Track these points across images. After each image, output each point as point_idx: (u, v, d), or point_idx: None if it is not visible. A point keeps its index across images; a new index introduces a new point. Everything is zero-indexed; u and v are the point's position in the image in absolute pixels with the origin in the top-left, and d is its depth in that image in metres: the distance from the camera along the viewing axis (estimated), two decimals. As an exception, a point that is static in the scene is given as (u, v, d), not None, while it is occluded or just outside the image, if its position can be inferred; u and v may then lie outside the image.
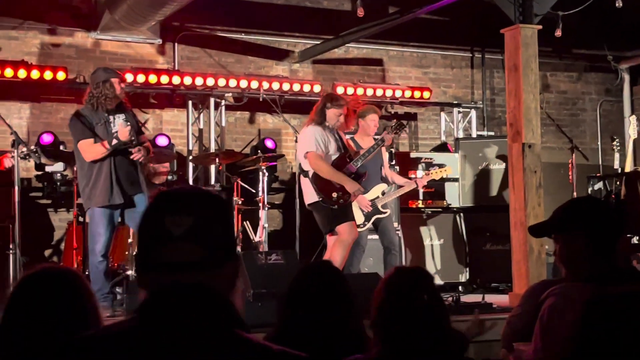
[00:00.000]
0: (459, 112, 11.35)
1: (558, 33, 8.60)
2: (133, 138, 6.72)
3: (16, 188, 6.47)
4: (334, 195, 7.08)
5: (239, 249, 7.86)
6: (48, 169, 8.83)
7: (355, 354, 2.90)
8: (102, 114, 6.72)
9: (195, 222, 1.72)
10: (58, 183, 8.88)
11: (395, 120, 7.90)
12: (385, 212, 7.96)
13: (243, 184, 8.84)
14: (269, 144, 9.89)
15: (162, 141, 9.46)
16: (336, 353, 2.98)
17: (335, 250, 7.05)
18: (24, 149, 6.40)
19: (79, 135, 6.67)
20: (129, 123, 6.72)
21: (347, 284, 3.36)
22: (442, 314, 2.80)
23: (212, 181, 9.76)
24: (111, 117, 6.75)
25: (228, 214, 1.86)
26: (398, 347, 2.72)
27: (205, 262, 1.72)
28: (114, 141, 6.60)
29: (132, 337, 1.69)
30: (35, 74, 8.94)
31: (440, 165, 9.13)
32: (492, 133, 11.45)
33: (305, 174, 7.24)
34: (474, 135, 11.19)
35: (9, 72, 8.80)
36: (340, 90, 10.17)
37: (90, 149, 6.64)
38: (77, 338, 1.75)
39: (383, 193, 8.01)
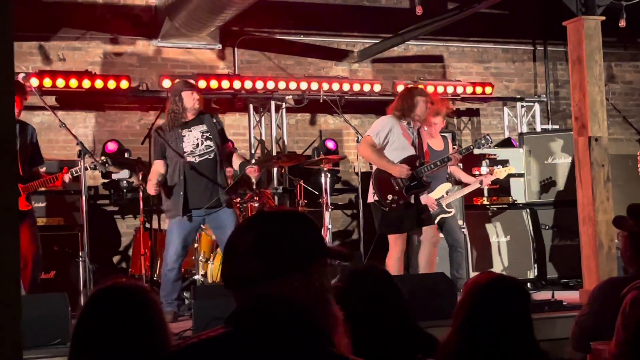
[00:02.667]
0: (522, 106, 11.19)
1: (622, 23, 8.41)
2: (194, 161, 6.76)
3: (83, 197, 6.56)
4: (389, 197, 7.01)
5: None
6: (114, 176, 8.96)
7: (417, 354, 2.85)
8: (176, 129, 6.79)
9: (256, 238, 1.81)
10: (124, 190, 9.01)
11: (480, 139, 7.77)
12: (450, 212, 7.91)
13: (306, 186, 8.85)
14: (330, 144, 9.88)
15: (226, 146, 9.55)
16: (390, 354, 2.94)
17: (388, 263, 6.99)
18: (92, 161, 6.50)
19: (154, 153, 6.92)
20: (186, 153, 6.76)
21: (396, 286, 3.28)
22: (530, 332, 2.73)
23: (275, 184, 9.81)
24: (184, 132, 6.80)
25: (300, 227, 1.90)
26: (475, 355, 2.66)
27: (267, 274, 1.79)
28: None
29: (221, 347, 1.79)
30: (99, 84, 9.09)
31: (505, 162, 9.02)
32: (556, 127, 11.27)
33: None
34: (538, 129, 11.02)
35: (73, 83, 8.96)
36: (400, 88, 10.09)
37: (152, 171, 6.90)
38: (174, 350, 1.89)
39: (447, 192, 7.94)
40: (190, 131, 6.81)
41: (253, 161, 7.94)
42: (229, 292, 1.89)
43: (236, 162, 7.01)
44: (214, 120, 6.97)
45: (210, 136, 6.83)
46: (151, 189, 6.75)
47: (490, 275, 2.82)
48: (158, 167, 6.85)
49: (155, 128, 6.98)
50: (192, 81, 7.06)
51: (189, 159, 6.75)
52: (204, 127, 6.85)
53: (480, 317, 2.68)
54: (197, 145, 6.81)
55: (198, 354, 1.83)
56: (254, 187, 7.41)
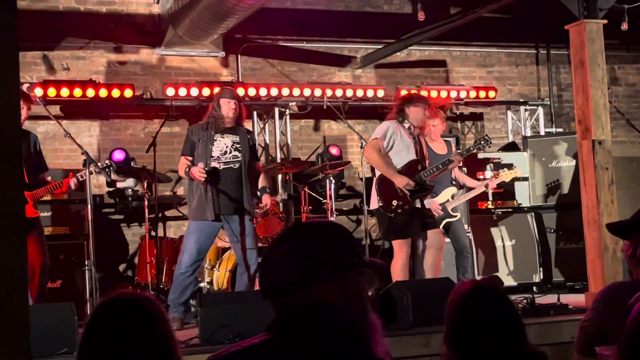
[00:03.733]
0: (526, 110, 11.19)
1: (624, 27, 8.42)
2: (219, 167, 6.79)
3: (89, 206, 6.59)
4: (394, 203, 7.02)
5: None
6: (119, 185, 8.98)
7: None
8: (210, 132, 6.86)
9: (291, 246, 1.87)
10: (130, 199, 9.03)
11: (480, 139, 7.78)
12: (455, 216, 7.91)
13: (311, 192, 8.86)
14: (334, 151, 9.89)
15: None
16: None
17: (394, 269, 7.00)
18: (96, 166, 6.52)
19: (182, 150, 7.00)
20: (213, 157, 6.81)
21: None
22: (520, 332, 2.72)
23: (280, 190, 9.82)
24: (217, 136, 6.88)
25: (334, 235, 1.94)
26: None
27: (303, 281, 1.84)
28: (187, 169, 6.77)
29: (264, 355, 1.83)
30: (103, 93, 9.10)
31: (509, 166, 9.02)
32: (560, 130, 11.26)
33: (375, 175, 7.24)
34: (542, 132, 11.02)
35: (77, 92, 8.98)
36: (403, 94, 10.11)
37: (180, 167, 6.99)
38: (215, 357, 1.91)
39: (453, 196, 7.94)
40: (223, 137, 6.89)
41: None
42: (268, 301, 1.92)
43: (260, 184, 7.19)
44: (248, 136, 7.06)
45: (240, 148, 6.90)
46: (201, 174, 6.67)
47: (465, 285, 2.82)
48: (186, 162, 6.90)
49: (190, 127, 7.18)
50: (233, 90, 7.15)
51: (214, 163, 6.79)
52: (236, 138, 6.93)
53: (462, 327, 2.71)
54: (225, 152, 6.87)
55: None
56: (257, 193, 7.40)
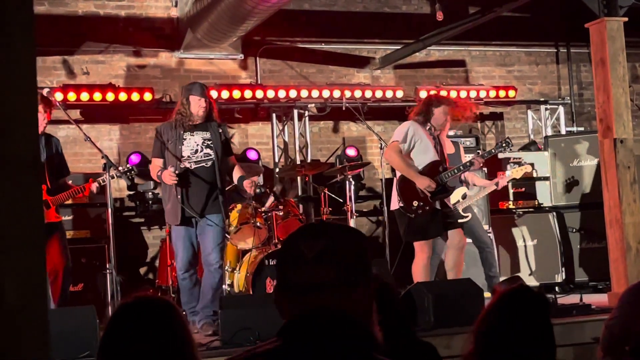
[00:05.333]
0: (547, 109, 11.14)
1: (645, 23, 8.34)
2: (190, 167, 6.57)
3: (109, 210, 6.61)
4: (415, 204, 7.01)
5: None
6: (140, 188, 9.02)
7: None
8: (178, 130, 6.62)
9: (327, 245, 1.83)
10: (150, 202, 9.06)
11: (501, 141, 7.74)
12: (467, 216, 7.79)
13: (330, 194, 8.85)
14: (353, 152, 9.88)
15: (252, 155, 9.61)
16: None
17: (415, 271, 6.99)
18: (118, 170, 6.54)
19: (152, 152, 6.82)
20: (183, 157, 6.57)
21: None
22: (551, 348, 2.70)
23: (300, 192, 9.82)
24: (186, 135, 6.63)
25: (361, 241, 1.93)
26: None
27: (337, 283, 1.81)
28: (159, 172, 6.54)
29: (285, 356, 1.79)
30: (123, 96, 9.15)
31: (520, 163, 8.91)
32: (581, 128, 11.18)
33: (395, 175, 7.22)
34: (563, 132, 10.96)
35: (97, 96, 9.02)
36: (423, 94, 10.10)
37: (151, 170, 6.78)
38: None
39: (464, 197, 7.87)
40: (193, 135, 6.64)
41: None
42: (289, 298, 1.86)
43: (236, 175, 6.85)
44: (220, 130, 6.76)
45: (212, 145, 6.66)
46: (171, 178, 6.46)
47: (511, 286, 2.81)
48: (158, 164, 6.69)
49: (158, 126, 6.89)
50: (204, 86, 6.78)
51: (185, 163, 6.56)
52: (207, 135, 6.67)
53: (501, 325, 2.68)
54: (196, 151, 6.64)
55: None
56: (279, 195, 7.37)
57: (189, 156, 6.61)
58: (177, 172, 6.50)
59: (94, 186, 6.61)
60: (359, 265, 1.86)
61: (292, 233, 1.92)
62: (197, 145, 6.64)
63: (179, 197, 6.52)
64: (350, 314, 1.81)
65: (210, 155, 6.64)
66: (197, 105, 6.64)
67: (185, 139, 6.63)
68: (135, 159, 8.97)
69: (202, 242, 6.65)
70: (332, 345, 1.78)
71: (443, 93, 10.14)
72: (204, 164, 6.63)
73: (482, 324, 2.72)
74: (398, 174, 7.17)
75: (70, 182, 6.93)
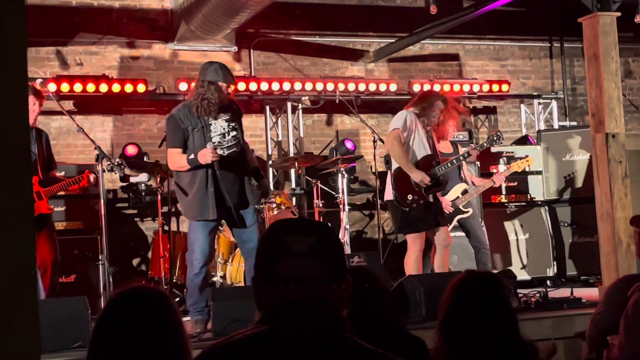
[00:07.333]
0: (540, 103, 11.15)
1: (638, 19, 8.37)
2: (223, 154, 6.03)
3: (102, 201, 6.61)
4: (409, 197, 7.03)
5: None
6: (132, 179, 9.01)
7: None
8: (202, 117, 6.05)
9: (316, 242, 1.93)
10: (143, 193, 9.06)
11: (493, 134, 7.75)
12: (467, 212, 7.86)
13: (323, 187, 8.87)
14: (347, 145, 9.89)
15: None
16: None
17: (407, 263, 7.02)
18: (109, 163, 6.53)
19: (169, 141, 6.18)
20: (215, 143, 6.00)
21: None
22: (511, 323, 2.74)
23: (293, 185, 9.83)
24: (212, 121, 6.08)
25: (339, 239, 2.08)
26: (462, 356, 2.68)
27: (322, 277, 1.91)
28: (191, 156, 5.96)
29: (261, 344, 1.89)
30: (116, 88, 9.13)
31: (519, 158, 8.97)
32: (574, 123, 11.22)
33: (390, 168, 7.22)
34: (555, 126, 10.98)
35: (91, 87, 9.01)
36: (416, 87, 10.12)
37: (173, 160, 6.14)
38: (208, 349, 1.99)
39: (463, 192, 7.91)
40: (217, 119, 6.09)
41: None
42: (273, 288, 1.93)
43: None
44: (235, 107, 6.23)
45: (236, 126, 6.15)
46: (214, 153, 5.87)
47: (467, 271, 2.94)
48: (178, 155, 6.07)
49: (173, 113, 6.16)
50: (233, 76, 6.23)
51: (218, 150, 5.97)
52: (228, 115, 6.13)
53: (458, 313, 2.78)
54: (224, 135, 6.11)
55: (242, 350, 1.92)
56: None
57: (219, 142, 6.07)
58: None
59: (92, 176, 6.59)
60: (341, 263, 1.98)
61: (273, 227, 2.02)
62: (223, 129, 6.12)
63: (211, 189, 5.97)
64: (329, 304, 1.91)
65: (238, 137, 6.17)
66: (225, 92, 6.08)
67: (210, 124, 6.07)
68: (131, 150, 8.93)
69: (246, 234, 6.20)
70: (310, 329, 1.88)
71: (436, 87, 10.18)
72: (235, 149, 6.14)
73: (443, 316, 2.81)
74: (394, 167, 7.17)
75: (59, 174, 6.93)
